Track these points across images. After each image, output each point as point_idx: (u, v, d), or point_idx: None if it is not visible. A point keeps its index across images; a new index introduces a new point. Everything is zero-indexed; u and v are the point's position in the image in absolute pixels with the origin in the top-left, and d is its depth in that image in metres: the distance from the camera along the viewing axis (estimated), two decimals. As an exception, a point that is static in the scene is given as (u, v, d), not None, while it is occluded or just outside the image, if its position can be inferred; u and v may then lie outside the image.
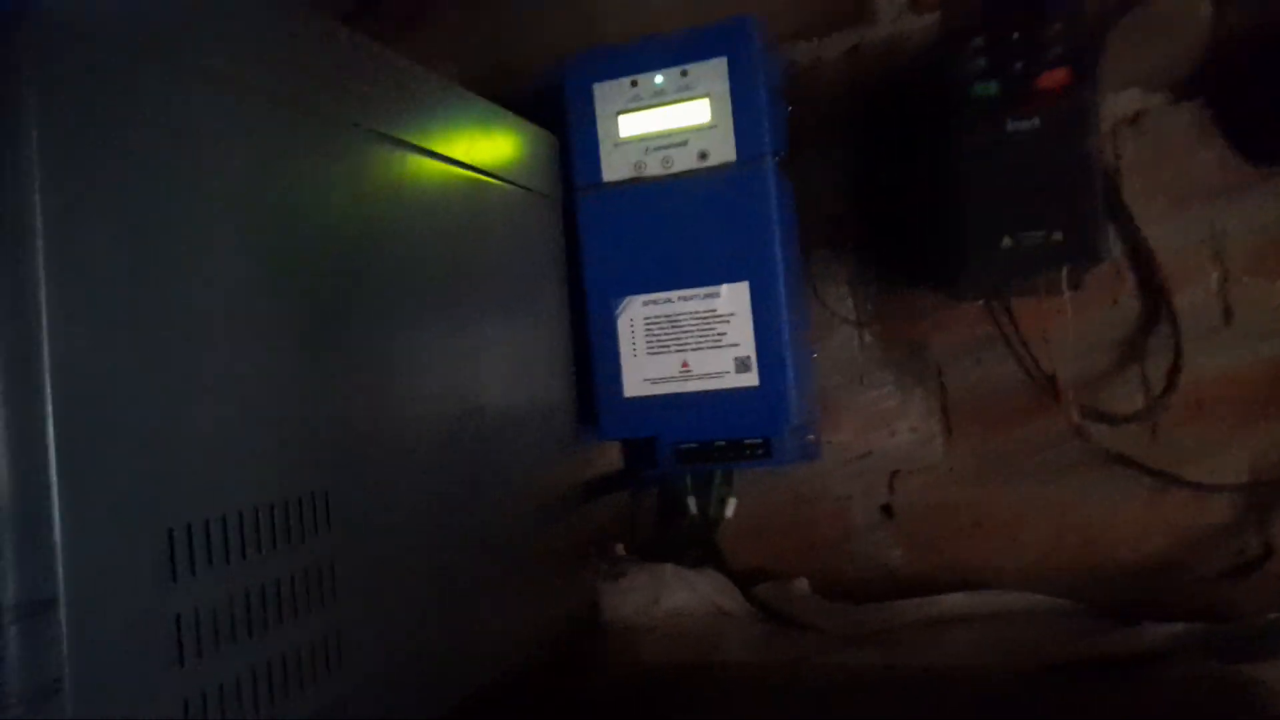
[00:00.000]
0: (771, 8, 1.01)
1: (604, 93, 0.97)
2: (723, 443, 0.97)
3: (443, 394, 0.73)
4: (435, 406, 0.72)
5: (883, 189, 1.02)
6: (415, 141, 0.73)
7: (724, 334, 0.94)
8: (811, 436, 1.02)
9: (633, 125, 0.96)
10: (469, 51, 1.17)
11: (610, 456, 1.09)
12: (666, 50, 0.95)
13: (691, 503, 1.06)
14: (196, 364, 0.50)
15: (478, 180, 0.82)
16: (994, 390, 0.99)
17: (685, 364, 0.95)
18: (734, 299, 0.93)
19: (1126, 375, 0.95)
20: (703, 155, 0.94)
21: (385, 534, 0.64)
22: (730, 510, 1.04)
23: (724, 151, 0.93)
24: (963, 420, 1.01)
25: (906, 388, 1.03)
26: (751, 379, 0.93)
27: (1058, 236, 0.81)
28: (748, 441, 0.97)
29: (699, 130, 0.94)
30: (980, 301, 0.97)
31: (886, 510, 1.04)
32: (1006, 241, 0.83)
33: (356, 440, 0.63)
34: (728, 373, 0.94)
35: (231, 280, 0.53)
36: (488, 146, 0.84)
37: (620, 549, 1.08)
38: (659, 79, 0.95)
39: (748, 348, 0.93)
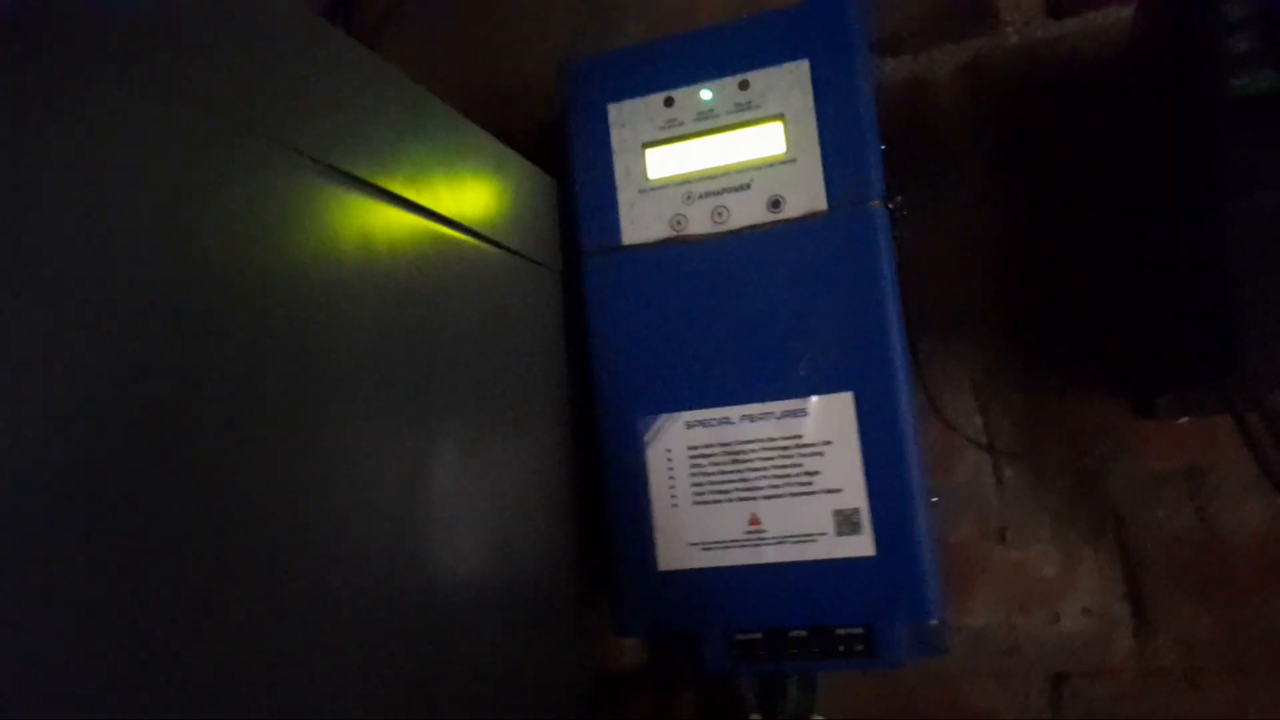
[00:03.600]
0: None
1: (624, 115, 0.66)
2: (803, 632, 0.63)
3: (375, 555, 0.40)
4: (364, 575, 0.38)
5: (1031, 249, 0.71)
6: (370, 177, 0.42)
7: (816, 474, 0.60)
8: (935, 622, 0.67)
9: (667, 162, 0.65)
10: (448, 63, 0.86)
11: (630, 645, 0.75)
12: (718, 50, 0.64)
13: (755, 712, 0.70)
14: None
15: (447, 237, 0.50)
16: (1222, 545, 0.66)
17: (755, 519, 0.62)
18: (830, 418, 0.60)
19: None
20: (775, 204, 0.62)
21: None
22: (815, 729, 0.69)
23: (808, 197, 0.62)
24: (1165, 593, 0.67)
25: (1071, 545, 0.69)
26: (864, 545, 0.59)
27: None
28: (840, 631, 0.63)
29: (769, 166, 0.63)
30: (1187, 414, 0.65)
31: (1051, 731, 0.69)
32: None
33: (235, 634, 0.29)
34: (823, 535, 0.60)
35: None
36: (466, 190, 0.53)
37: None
38: (707, 93, 0.64)
39: (855, 495, 0.60)
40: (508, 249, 0.59)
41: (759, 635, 0.64)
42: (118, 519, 0.28)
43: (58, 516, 0.26)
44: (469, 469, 0.51)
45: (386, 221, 0.45)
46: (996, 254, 0.72)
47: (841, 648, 0.62)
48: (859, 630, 0.62)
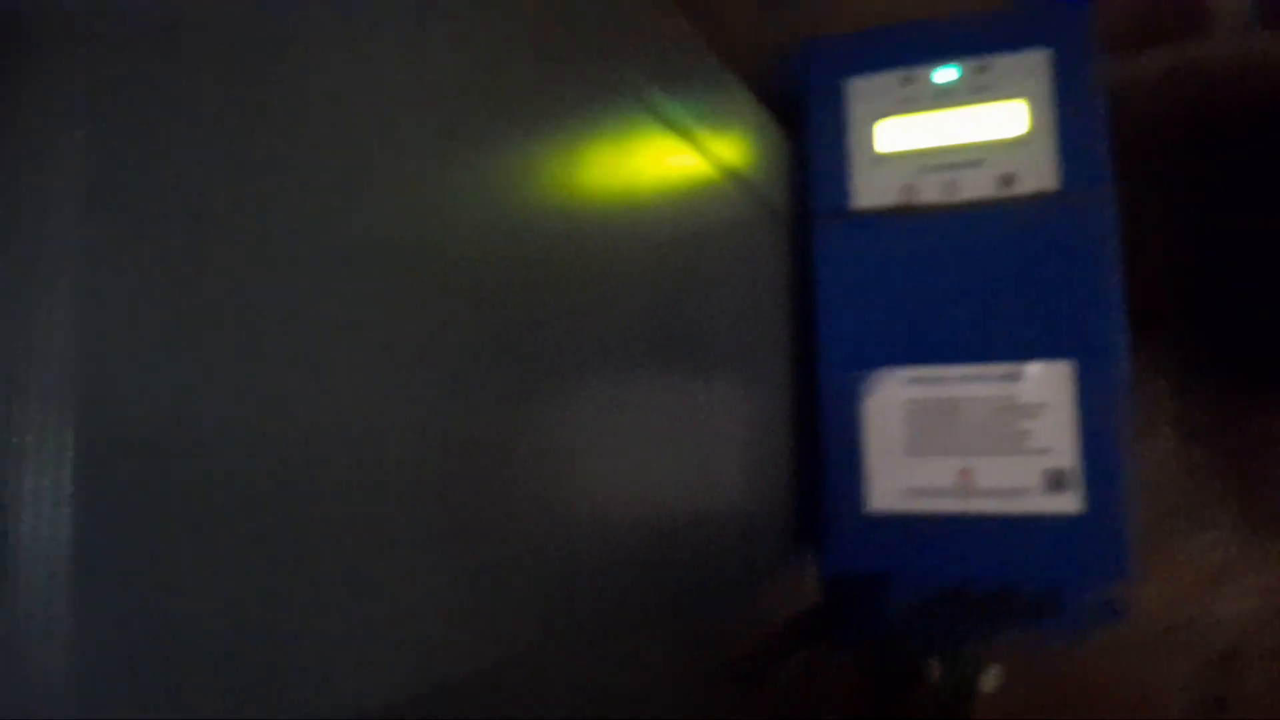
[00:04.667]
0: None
1: (861, 91, 0.71)
2: (988, 588, 0.67)
3: (644, 487, 0.44)
4: (632, 507, 0.43)
5: (1225, 250, 0.74)
6: (671, 117, 0.47)
7: (1028, 433, 0.65)
8: (1115, 592, 0.71)
9: (900, 136, 0.70)
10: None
11: (808, 590, 0.79)
12: (959, 36, 0.69)
13: (934, 667, 0.75)
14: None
15: (716, 182, 0.55)
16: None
17: (966, 472, 0.66)
18: (1047, 384, 0.64)
19: None
20: (1007, 180, 0.67)
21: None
22: (993, 682, 0.73)
23: (1040, 177, 0.66)
24: (1344, 585, 0.70)
25: (1250, 529, 0.72)
26: (1069, 502, 0.63)
27: None
28: (1026, 590, 0.67)
29: (1004, 146, 0.67)
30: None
31: (1220, 705, 0.72)
32: None
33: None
34: (1031, 491, 0.64)
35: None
36: (731, 139, 0.58)
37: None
38: (946, 74, 0.69)
39: (1065, 456, 0.64)
40: (760, 201, 0.64)
41: (937, 593, 0.68)
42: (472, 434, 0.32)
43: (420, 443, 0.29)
44: (713, 410, 0.55)
45: (676, 158, 0.49)
46: (1206, 248, 0.75)
47: (1024, 609, 0.67)
48: (1046, 593, 0.66)
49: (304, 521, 0.23)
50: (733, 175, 0.58)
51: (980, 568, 0.66)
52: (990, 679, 0.73)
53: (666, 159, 0.48)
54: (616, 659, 0.40)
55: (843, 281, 0.69)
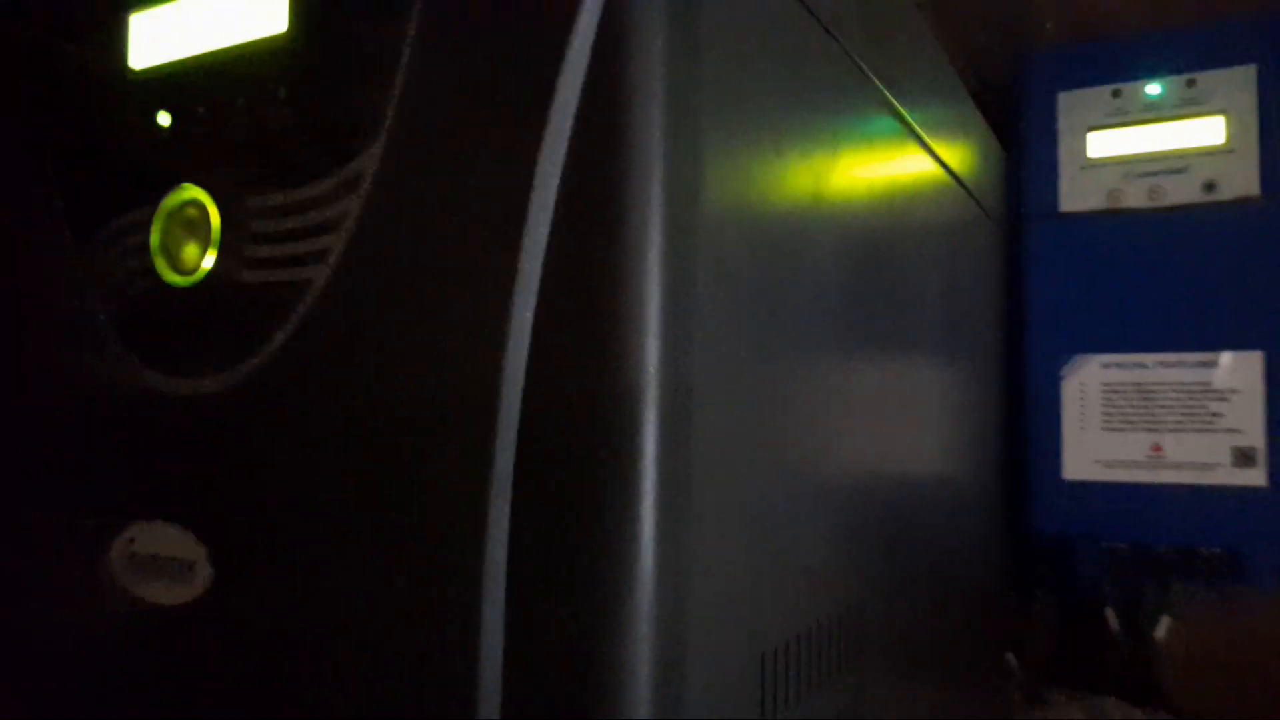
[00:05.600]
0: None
1: (1073, 103, 0.79)
2: (1166, 549, 0.77)
3: (893, 452, 0.56)
4: (887, 467, 0.54)
5: None
6: (901, 110, 0.53)
7: (1219, 415, 0.73)
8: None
9: (1108, 144, 0.78)
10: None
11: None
12: (1166, 52, 0.76)
13: (1111, 617, 0.85)
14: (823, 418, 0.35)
15: (944, 185, 0.65)
16: None
17: (1157, 447, 0.75)
18: (1239, 372, 0.72)
19: None
20: (1209, 186, 0.74)
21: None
22: (1163, 631, 0.83)
23: (1242, 183, 0.73)
24: None
25: None
26: (1256, 477, 0.72)
27: None
28: (1203, 551, 0.76)
29: (1207, 154, 0.74)
30: None
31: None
32: None
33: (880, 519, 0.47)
34: (1220, 465, 0.73)
35: (835, 295, 0.39)
36: (957, 145, 0.67)
37: (1012, 660, 0.88)
38: (1154, 88, 0.76)
39: (1254, 436, 0.72)
40: (975, 200, 0.73)
41: (1126, 548, 0.78)
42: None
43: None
44: (943, 390, 0.66)
45: (901, 152, 0.55)
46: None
47: (1206, 567, 0.76)
48: (1220, 553, 0.75)
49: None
50: (965, 181, 0.68)
51: (1166, 533, 0.76)
52: (1163, 628, 0.82)
53: (904, 162, 0.55)
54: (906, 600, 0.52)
55: (1049, 278, 0.79)
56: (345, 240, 0.31)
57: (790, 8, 0.37)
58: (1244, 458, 0.72)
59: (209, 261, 0.33)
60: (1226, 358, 0.73)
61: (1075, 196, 0.78)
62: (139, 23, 0.37)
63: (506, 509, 0.27)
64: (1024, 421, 0.79)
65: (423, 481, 0.28)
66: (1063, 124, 0.79)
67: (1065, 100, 0.79)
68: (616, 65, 0.29)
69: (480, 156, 0.29)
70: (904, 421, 0.56)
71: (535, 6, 0.29)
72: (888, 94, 0.49)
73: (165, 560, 0.30)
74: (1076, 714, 0.78)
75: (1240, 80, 0.73)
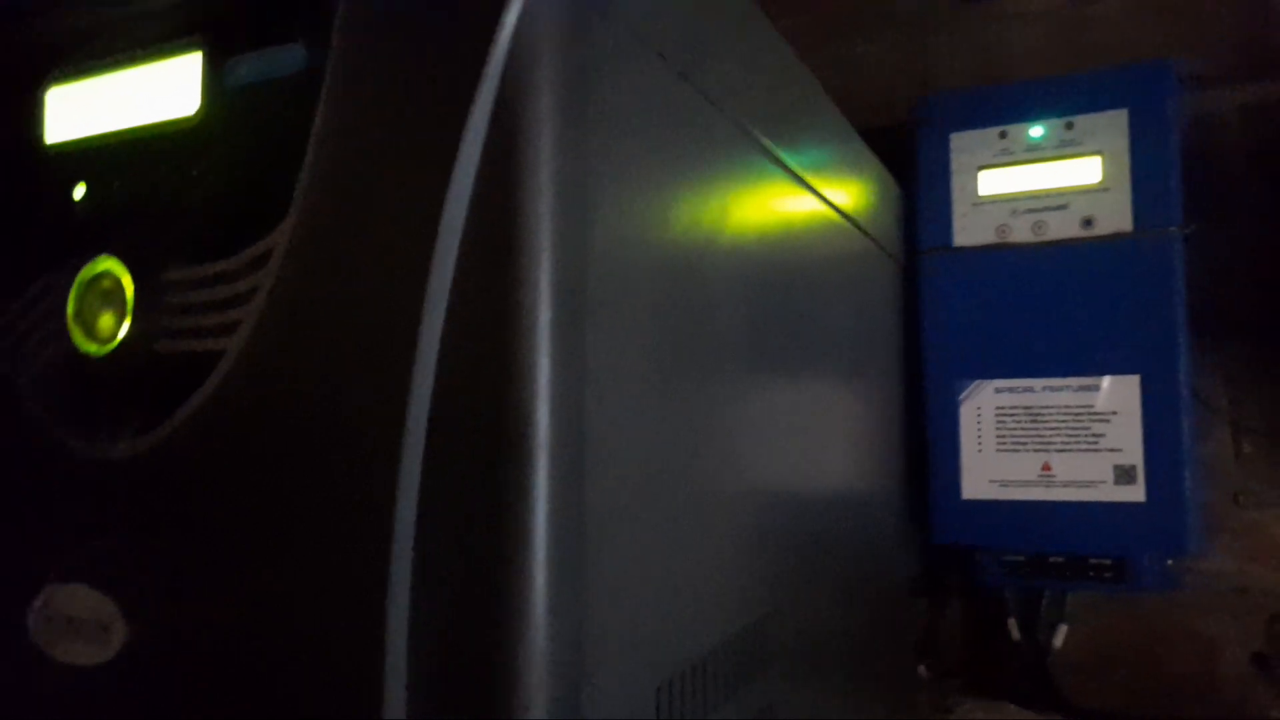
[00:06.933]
0: (1148, 49, 0.86)
1: (964, 143, 0.84)
2: (1059, 559, 0.82)
3: (799, 471, 0.59)
4: (793, 485, 0.57)
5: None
6: (790, 164, 0.56)
7: (1101, 435, 0.78)
8: (1171, 561, 0.84)
9: (997, 182, 0.83)
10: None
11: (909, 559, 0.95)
12: (1048, 97, 0.81)
13: (1013, 625, 0.90)
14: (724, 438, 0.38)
15: (836, 224, 0.68)
16: None
17: (1047, 466, 0.80)
18: (1118, 395, 0.78)
19: None
20: (1087, 222, 0.79)
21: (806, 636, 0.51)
22: (1060, 639, 0.88)
23: (1116, 219, 0.79)
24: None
25: (1301, 513, 0.85)
26: (1135, 493, 0.77)
27: None
28: (1093, 560, 0.81)
29: (1085, 193, 0.80)
30: None
31: (1261, 662, 0.86)
32: None
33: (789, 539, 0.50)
34: (1103, 483, 0.78)
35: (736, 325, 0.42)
36: (848, 188, 0.71)
37: (923, 670, 0.92)
38: (1036, 130, 0.81)
39: (1133, 455, 0.77)
40: (871, 238, 0.77)
41: (1023, 559, 0.83)
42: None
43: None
44: (840, 414, 0.70)
45: (794, 200, 0.58)
46: (1267, 269, 0.86)
47: (1094, 574, 0.81)
48: (1109, 562, 0.80)
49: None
50: (857, 219, 0.71)
51: (1052, 543, 0.81)
52: (1060, 635, 0.88)
53: (794, 206, 0.58)
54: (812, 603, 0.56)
55: (944, 309, 0.83)
56: (256, 314, 0.33)
57: (675, 84, 0.40)
58: (1125, 474, 0.77)
59: (124, 331, 0.35)
60: (1106, 382, 0.78)
61: (967, 231, 0.83)
62: (55, 97, 0.39)
63: (408, 565, 0.29)
64: (925, 443, 0.84)
65: (327, 541, 0.30)
66: (955, 163, 0.84)
67: (957, 140, 0.84)
68: (511, 140, 0.31)
69: (385, 227, 0.32)
70: (807, 444, 0.60)
71: (435, 93, 0.32)
72: (775, 149, 0.53)
73: (81, 622, 0.32)
74: (980, 716, 0.82)
75: (1113, 124, 0.79)
